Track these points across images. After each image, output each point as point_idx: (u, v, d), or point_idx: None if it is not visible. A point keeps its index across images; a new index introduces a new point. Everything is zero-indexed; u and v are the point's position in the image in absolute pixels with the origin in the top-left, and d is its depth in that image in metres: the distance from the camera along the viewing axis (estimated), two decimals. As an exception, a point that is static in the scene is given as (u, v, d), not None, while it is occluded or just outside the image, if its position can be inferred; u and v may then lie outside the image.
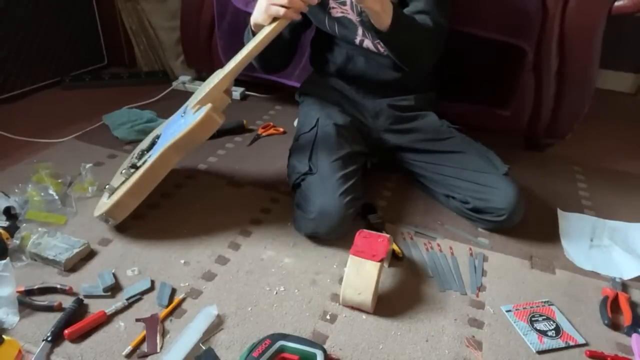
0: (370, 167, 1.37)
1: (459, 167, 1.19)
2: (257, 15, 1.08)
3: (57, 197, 1.20)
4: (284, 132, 1.68)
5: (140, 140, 1.56)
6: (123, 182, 1.12)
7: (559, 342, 0.89)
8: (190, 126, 1.04)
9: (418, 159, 1.28)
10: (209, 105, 1.05)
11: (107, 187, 1.13)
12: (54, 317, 0.87)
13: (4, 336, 0.83)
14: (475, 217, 1.18)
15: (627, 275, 1.06)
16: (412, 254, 1.10)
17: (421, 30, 1.08)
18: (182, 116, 1.14)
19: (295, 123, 1.63)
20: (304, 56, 1.65)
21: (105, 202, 1.10)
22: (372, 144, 1.32)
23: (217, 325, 0.89)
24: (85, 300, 0.93)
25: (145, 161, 1.12)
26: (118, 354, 0.83)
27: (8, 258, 0.97)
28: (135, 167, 1.14)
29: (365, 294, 0.91)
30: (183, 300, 0.95)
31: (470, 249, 1.13)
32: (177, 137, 1.06)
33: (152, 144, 1.21)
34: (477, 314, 0.95)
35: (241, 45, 1.77)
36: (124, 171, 1.14)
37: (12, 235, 1.04)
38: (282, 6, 0.99)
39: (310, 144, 1.21)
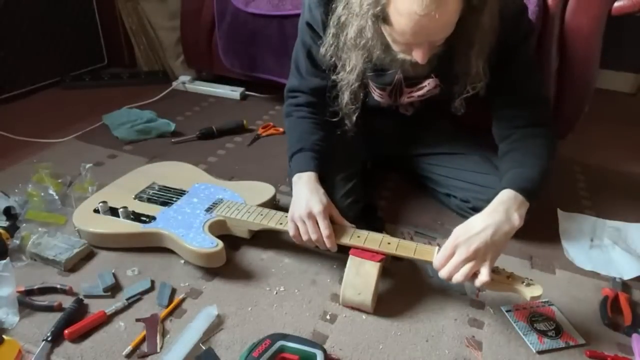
0: (370, 167, 1.37)
1: (460, 168, 1.19)
2: (292, 213, 0.99)
3: (57, 197, 1.20)
4: (284, 132, 1.68)
5: (140, 140, 1.57)
6: (115, 211, 1.09)
7: (559, 342, 0.89)
8: (195, 248, 0.99)
9: (419, 160, 1.28)
10: (221, 245, 0.99)
11: (101, 203, 1.09)
12: (54, 317, 0.87)
13: (4, 336, 0.83)
14: None
15: (627, 275, 1.06)
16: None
17: (548, 158, 1.00)
18: (206, 210, 1.09)
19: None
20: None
21: (87, 216, 1.09)
22: (375, 152, 1.32)
23: (217, 325, 0.89)
24: (85, 300, 0.93)
25: (147, 219, 1.07)
26: (118, 354, 0.82)
27: (8, 258, 0.97)
28: (135, 216, 1.08)
29: (365, 294, 0.91)
30: (183, 300, 0.95)
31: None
32: (176, 238, 1.01)
33: (172, 196, 1.16)
34: (477, 314, 0.95)
35: (241, 46, 1.78)
36: (121, 210, 1.08)
37: (12, 235, 1.04)
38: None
39: None
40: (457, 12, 0.81)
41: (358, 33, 0.89)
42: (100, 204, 1.09)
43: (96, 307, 0.91)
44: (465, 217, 1.21)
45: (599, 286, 1.03)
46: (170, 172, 1.27)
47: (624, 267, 1.08)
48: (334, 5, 0.94)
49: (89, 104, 1.84)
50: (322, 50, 0.98)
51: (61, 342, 0.84)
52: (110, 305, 0.91)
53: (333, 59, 0.98)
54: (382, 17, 0.83)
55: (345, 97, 1.01)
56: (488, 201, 1.13)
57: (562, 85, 1.41)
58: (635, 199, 1.39)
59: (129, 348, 0.83)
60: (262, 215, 1.05)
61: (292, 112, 1.15)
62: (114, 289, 0.96)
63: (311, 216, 0.95)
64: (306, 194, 0.99)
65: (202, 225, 1.04)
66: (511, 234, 0.88)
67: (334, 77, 1.01)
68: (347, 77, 0.97)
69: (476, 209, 1.16)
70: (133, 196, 1.15)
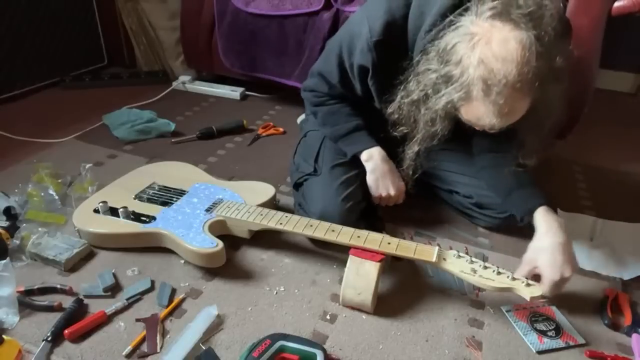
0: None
1: (463, 163, 1.19)
2: (372, 184, 1.16)
3: (57, 197, 1.20)
4: (284, 132, 1.68)
5: (140, 140, 1.57)
6: (115, 212, 1.08)
7: (559, 342, 0.89)
8: (195, 248, 0.98)
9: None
10: (221, 245, 0.99)
11: (101, 203, 1.09)
12: (54, 317, 0.87)
13: (4, 336, 0.83)
14: (477, 213, 1.18)
15: (627, 275, 1.06)
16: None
17: None
18: (206, 210, 1.09)
19: (299, 119, 1.64)
20: (303, 55, 1.66)
21: (87, 216, 1.08)
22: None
23: (217, 325, 0.89)
24: (85, 300, 0.93)
25: (147, 219, 1.07)
26: (118, 354, 0.82)
27: (8, 258, 0.97)
28: (135, 216, 1.08)
29: (365, 294, 0.91)
30: (183, 300, 0.95)
31: (467, 248, 1.13)
32: (176, 238, 1.01)
33: (172, 196, 1.16)
34: (477, 314, 0.95)
35: (241, 46, 1.78)
36: (121, 210, 1.07)
37: (12, 235, 1.04)
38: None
39: (318, 143, 1.21)
40: (528, 104, 0.83)
41: (430, 122, 0.91)
42: (100, 204, 1.09)
43: (96, 307, 0.91)
44: (467, 214, 1.22)
45: (599, 286, 1.03)
46: (170, 172, 1.27)
47: (624, 267, 1.08)
48: (403, 63, 0.93)
49: (89, 104, 1.84)
50: (389, 109, 0.98)
51: (61, 342, 0.84)
52: (110, 305, 0.91)
53: (397, 117, 0.99)
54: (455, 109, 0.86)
55: (408, 158, 1.02)
56: (491, 196, 1.13)
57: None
58: (635, 199, 1.39)
59: (129, 348, 0.83)
60: (262, 215, 1.05)
61: (323, 102, 1.17)
62: (114, 289, 0.96)
63: (398, 191, 1.15)
64: (389, 173, 1.14)
65: (202, 225, 1.04)
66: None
67: (396, 132, 1.01)
68: (412, 147, 1.00)
69: (479, 205, 1.17)
70: (133, 196, 1.15)
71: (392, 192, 1.15)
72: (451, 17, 0.82)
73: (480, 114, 0.82)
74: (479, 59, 0.77)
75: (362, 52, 0.99)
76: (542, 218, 0.96)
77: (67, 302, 0.91)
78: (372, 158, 1.13)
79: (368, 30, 0.96)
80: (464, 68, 0.79)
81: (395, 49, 0.95)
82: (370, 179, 1.15)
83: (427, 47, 0.87)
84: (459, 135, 1.24)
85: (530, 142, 0.95)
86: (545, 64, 0.77)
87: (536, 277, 0.92)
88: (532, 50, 0.75)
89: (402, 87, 0.94)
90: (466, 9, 0.81)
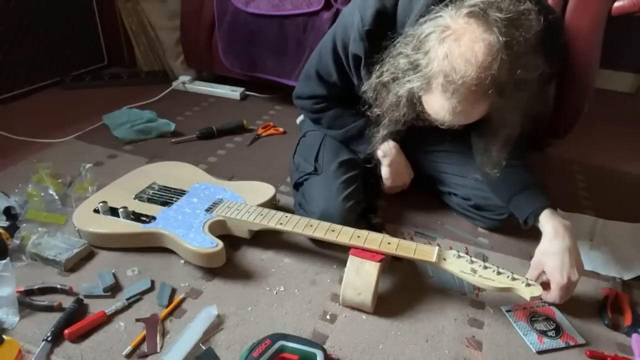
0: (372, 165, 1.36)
1: (462, 165, 1.19)
2: (389, 177, 1.21)
3: (57, 197, 1.20)
4: (284, 132, 1.68)
5: (140, 140, 1.57)
6: (115, 212, 1.08)
7: (559, 342, 0.89)
8: (195, 248, 0.98)
9: (421, 158, 1.28)
10: (221, 245, 0.99)
11: (101, 203, 1.09)
12: (54, 317, 0.87)
13: (4, 336, 0.83)
14: (476, 215, 1.18)
15: (627, 275, 1.06)
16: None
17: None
18: (206, 210, 1.09)
19: (299, 119, 1.64)
20: (303, 55, 1.66)
21: (87, 216, 1.08)
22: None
23: (217, 325, 0.89)
24: (85, 300, 0.93)
25: (147, 219, 1.07)
26: (118, 354, 0.83)
27: (8, 258, 0.97)
28: (135, 216, 1.08)
29: (365, 294, 0.91)
30: (183, 300, 0.95)
31: (467, 248, 1.13)
32: (176, 238, 1.01)
33: (172, 196, 1.16)
34: (477, 314, 0.95)
35: (241, 46, 1.78)
36: (121, 210, 1.07)
37: (12, 235, 1.04)
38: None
39: (317, 143, 1.21)
40: (485, 109, 0.84)
41: (394, 105, 0.93)
42: (100, 204, 1.09)
43: (96, 307, 0.91)
44: (466, 216, 1.22)
45: (599, 286, 1.03)
46: (170, 172, 1.27)
47: (624, 267, 1.08)
48: (383, 44, 0.93)
49: (89, 104, 1.84)
50: (364, 87, 0.99)
51: (61, 342, 0.84)
52: (110, 305, 0.91)
53: (370, 96, 0.99)
54: (416, 97, 0.88)
55: (380, 133, 1.04)
56: (489, 198, 1.13)
57: (562, 86, 1.40)
58: (635, 199, 1.39)
59: (129, 348, 0.83)
60: (262, 215, 1.05)
61: (324, 109, 1.17)
62: (114, 289, 0.96)
63: (410, 179, 1.24)
64: (404, 165, 1.21)
65: (202, 225, 1.04)
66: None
67: (369, 112, 1.02)
68: (380, 130, 1.02)
69: (477, 207, 1.17)
70: (133, 196, 1.15)
71: (407, 182, 1.23)
72: (436, 7, 0.83)
73: (437, 107, 0.84)
74: (445, 54, 0.77)
75: (355, 41, 1.00)
76: (549, 221, 0.96)
77: (67, 302, 0.91)
78: (389, 153, 1.17)
79: (360, 20, 0.97)
80: (430, 59, 0.80)
81: (385, 38, 0.95)
82: (386, 172, 1.19)
83: (408, 31, 0.88)
84: (457, 136, 1.25)
85: (494, 151, 0.96)
86: (505, 74, 0.77)
87: (545, 285, 0.92)
88: (496, 57, 0.75)
89: (378, 67, 0.94)
90: (452, 1, 0.81)
